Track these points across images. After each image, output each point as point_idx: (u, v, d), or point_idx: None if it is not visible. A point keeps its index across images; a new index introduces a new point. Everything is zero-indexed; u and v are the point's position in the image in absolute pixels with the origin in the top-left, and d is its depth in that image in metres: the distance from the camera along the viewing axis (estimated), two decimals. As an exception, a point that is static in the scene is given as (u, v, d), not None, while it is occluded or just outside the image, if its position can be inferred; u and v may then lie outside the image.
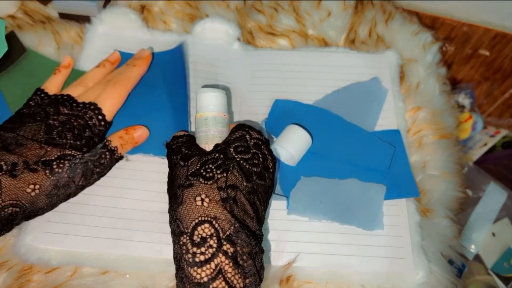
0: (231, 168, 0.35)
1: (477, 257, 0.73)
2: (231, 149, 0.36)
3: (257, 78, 0.51)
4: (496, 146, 0.84)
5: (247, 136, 0.38)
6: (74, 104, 0.41)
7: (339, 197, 0.43)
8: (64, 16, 0.53)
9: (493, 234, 0.74)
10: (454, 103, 0.55)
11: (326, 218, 0.42)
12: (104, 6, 0.53)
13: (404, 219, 0.43)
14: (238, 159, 0.36)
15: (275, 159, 0.39)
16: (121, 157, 0.43)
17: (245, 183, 0.35)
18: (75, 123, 0.40)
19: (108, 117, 0.42)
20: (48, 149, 0.37)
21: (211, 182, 0.34)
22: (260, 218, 0.36)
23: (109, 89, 0.43)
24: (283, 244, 0.41)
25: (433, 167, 0.48)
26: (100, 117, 0.41)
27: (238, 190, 0.34)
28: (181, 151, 0.37)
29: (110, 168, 0.42)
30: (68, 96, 0.42)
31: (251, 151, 0.37)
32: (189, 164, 0.35)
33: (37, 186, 0.36)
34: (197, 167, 0.35)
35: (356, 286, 0.40)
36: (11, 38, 0.48)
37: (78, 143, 0.39)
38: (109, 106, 0.42)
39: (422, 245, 0.42)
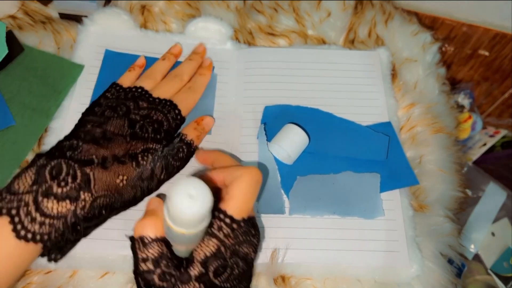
0: None
1: (477, 257, 0.74)
2: (211, 275, 0.31)
3: (251, 76, 0.51)
4: (495, 146, 0.84)
5: (222, 249, 0.32)
6: (151, 99, 0.43)
7: (337, 191, 0.43)
8: (64, 16, 0.53)
9: (493, 234, 0.74)
10: (453, 103, 0.56)
11: (327, 213, 0.42)
12: (105, 6, 0.53)
13: (399, 213, 0.43)
14: (219, 284, 0.32)
15: (255, 238, 0.34)
16: (195, 150, 0.43)
17: None
18: (154, 117, 0.42)
19: (183, 114, 0.45)
20: (133, 143, 0.39)
21: None
22: None
23: (189, 94, 0.46)
24: (278, 241, 0.41)
25: (430, 163, 0.48)
26: (177, 111, 0.44)
27: None
28: (154, 283, 0.31)
29: (187, 162, 0.43)
30: (142, 88, 0.44)
31: (229, 263, 0.32)
32: None
33: (125, 177, 0.37)
34: None
35: (352, 280, 0.40)
36: (9, 37, 0.48)
37: (158, 136, 0.41)
38: (185, 107, 0.45)
39: (418, 240, 0.42)
